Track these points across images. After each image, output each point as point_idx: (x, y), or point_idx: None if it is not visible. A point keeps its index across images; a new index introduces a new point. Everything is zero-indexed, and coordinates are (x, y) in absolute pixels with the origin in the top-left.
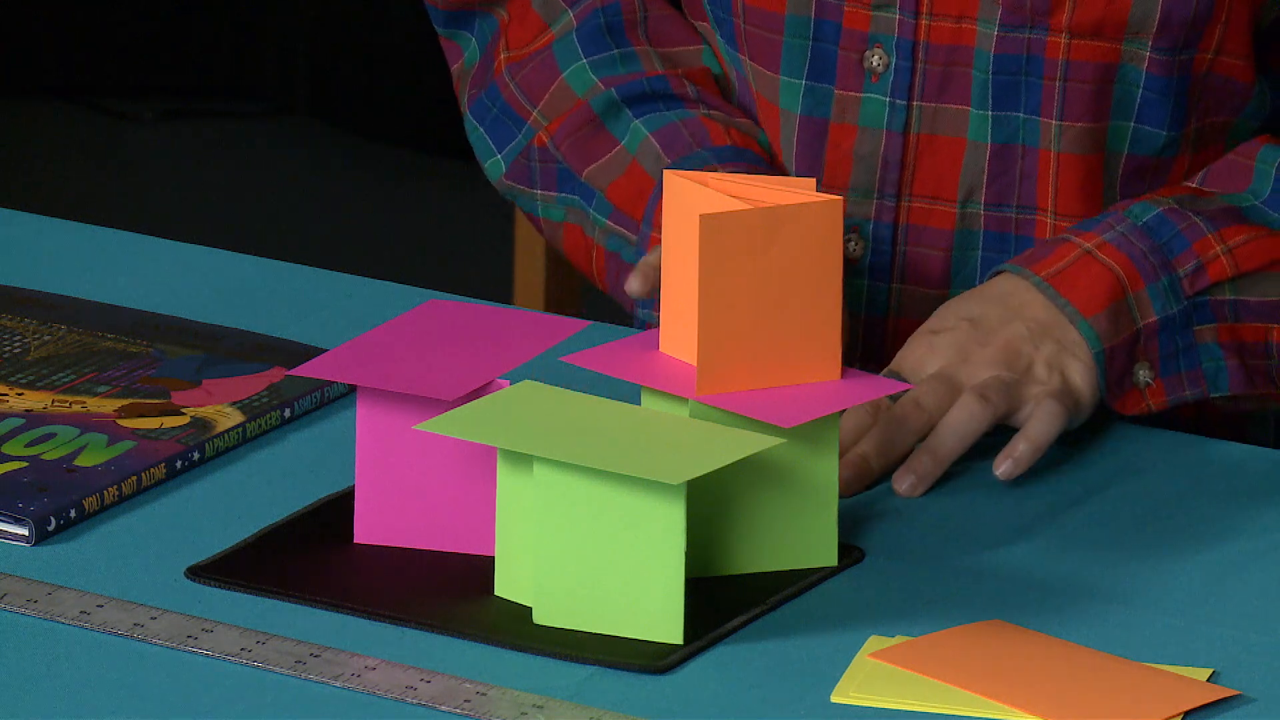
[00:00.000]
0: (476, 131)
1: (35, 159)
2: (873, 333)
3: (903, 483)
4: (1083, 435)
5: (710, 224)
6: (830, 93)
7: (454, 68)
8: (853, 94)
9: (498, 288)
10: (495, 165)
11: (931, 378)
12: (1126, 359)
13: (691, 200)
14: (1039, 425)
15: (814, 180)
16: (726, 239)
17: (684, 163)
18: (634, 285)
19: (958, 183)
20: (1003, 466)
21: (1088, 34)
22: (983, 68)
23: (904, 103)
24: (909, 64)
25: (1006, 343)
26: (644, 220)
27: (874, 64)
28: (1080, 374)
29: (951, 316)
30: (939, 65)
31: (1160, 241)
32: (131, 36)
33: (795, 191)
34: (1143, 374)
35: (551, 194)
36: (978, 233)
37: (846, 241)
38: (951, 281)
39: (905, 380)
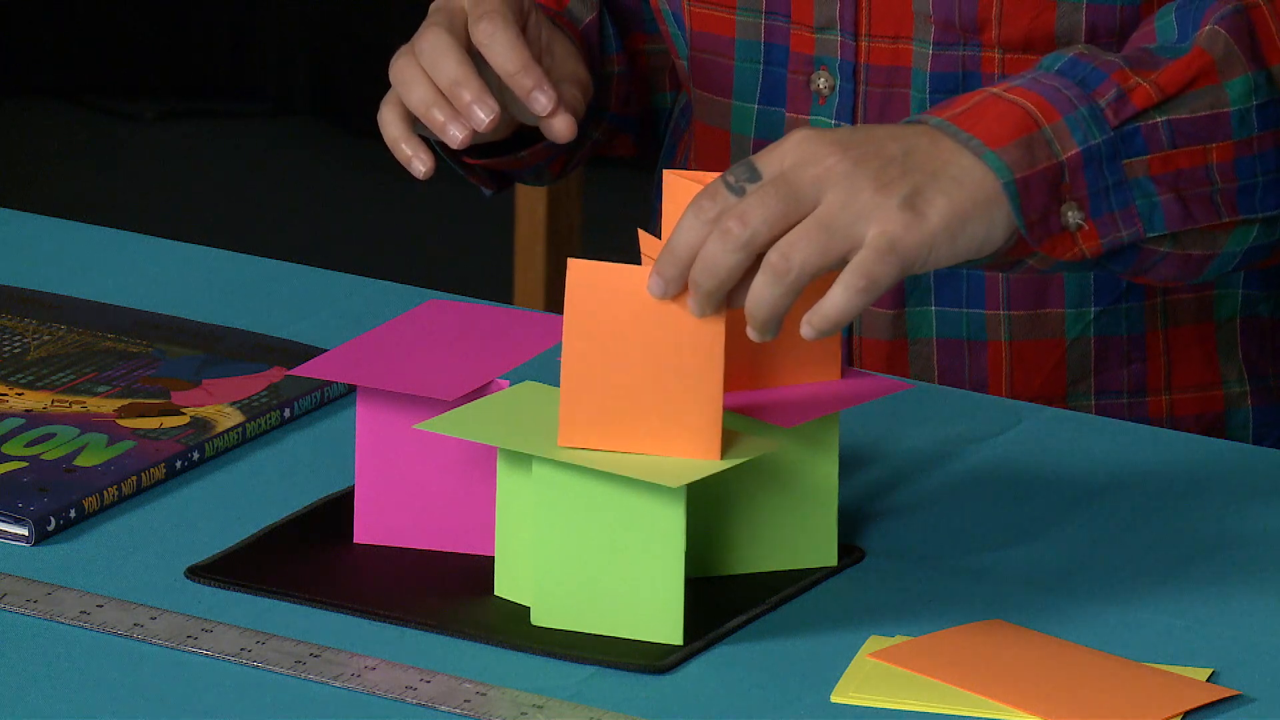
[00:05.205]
0: None
1: (35, 159)
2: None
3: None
4: (1082, 435)
5: None
6: (782, 115)
7: None
8: (802, 117)
9: (498, 288)
10: None
11: (773, 182)
12: (1049, 195)
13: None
14: (834, 304)
15: None
16: None
17: None
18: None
19: None
20: (803, 329)
21: (1019, 48)
22: (920, 87)
23: (849, 125)
24: (852, 86)
25: (875, 156)
26: None
27: (820, 86)
28: (943, 211)
29: (837, 130)
30: (880, 87)
31: (1075, 79)
32: (131, 36)
33: None
34: (1071, 215)
35: None
36: None
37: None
38: (909, 292)
39: (756, 167)
